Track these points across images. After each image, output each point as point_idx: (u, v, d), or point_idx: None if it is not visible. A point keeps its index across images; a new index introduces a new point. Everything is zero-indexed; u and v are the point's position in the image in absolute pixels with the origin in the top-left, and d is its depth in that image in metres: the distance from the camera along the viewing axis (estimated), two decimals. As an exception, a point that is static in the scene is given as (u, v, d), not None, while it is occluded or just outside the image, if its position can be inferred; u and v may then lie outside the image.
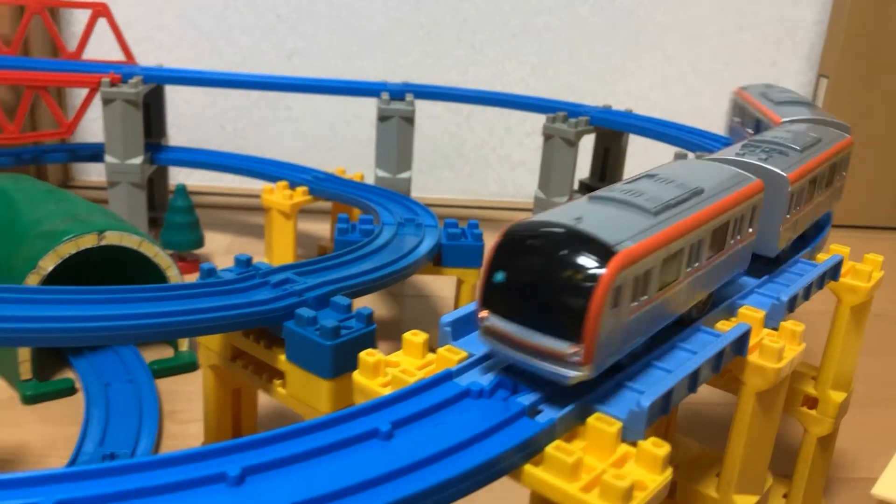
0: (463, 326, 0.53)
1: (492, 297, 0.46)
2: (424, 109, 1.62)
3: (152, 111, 1.41)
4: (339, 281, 0.76)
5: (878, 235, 1.80)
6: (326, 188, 1.23)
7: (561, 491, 0.40)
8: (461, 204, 1.79)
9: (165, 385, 0.97)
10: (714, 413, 0.99)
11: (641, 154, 1.49)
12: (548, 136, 1.29)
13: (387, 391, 0.47)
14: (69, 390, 0.94)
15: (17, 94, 1.45)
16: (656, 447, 0.42)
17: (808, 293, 0.66)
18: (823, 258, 0.72)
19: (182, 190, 1.27)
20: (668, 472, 0.42)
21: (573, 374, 0.43)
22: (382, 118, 1.33)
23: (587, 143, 1.42)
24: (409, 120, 1.34)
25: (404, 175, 1.36)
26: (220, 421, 0.79)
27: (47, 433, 0.88)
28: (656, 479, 0.41)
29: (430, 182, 1.80)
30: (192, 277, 1.25)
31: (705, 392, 0.62)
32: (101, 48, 1.49)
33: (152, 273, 0.98)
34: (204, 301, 0.70)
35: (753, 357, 0.55)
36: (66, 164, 1.68)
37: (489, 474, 0.41)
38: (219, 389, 0.78)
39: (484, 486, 0.42)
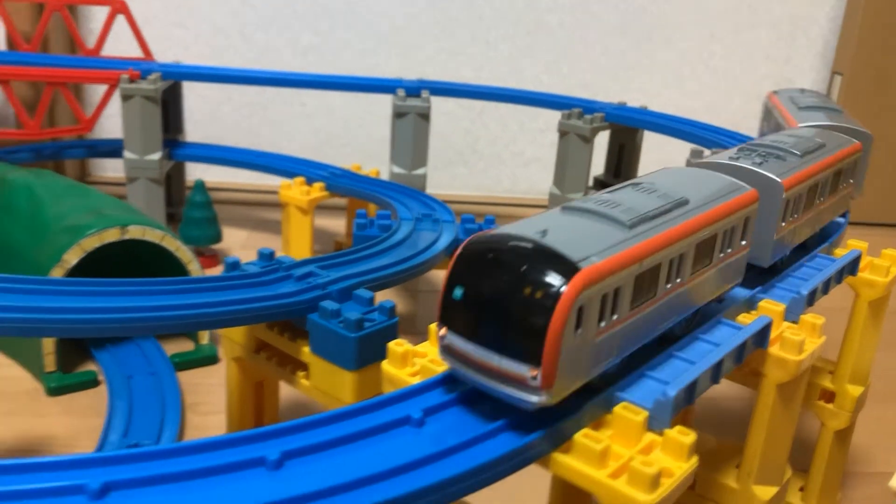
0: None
1: (450, 313, 0.44)
2: (438, 106, 1.63)
3: (170, 107, 1.42)
4: (361, 275, 0.77)
5: (893, 233, 1.81)
6: (343, 184, 1.24)
7: (589, 477, 0.41)
8: (474, 200, 1.80)
9: (186, 378, 0.98)
10: (727, 407, 1.00)
11: (656, 150, 1.50)
12: (563, 133, 1.29)
13: (415, 380, 0.48)
14: (92, 382, 0.96)
15: (37, 91, 1.46)
16: (682, 435, 0.43)
17: (827, 287, 0.67)
18: (842, 253, 0.73)
19: (200, 185, 1.28)
20: (694, 459, 0.43)
21: (535, 400, 0.41)
22: (398, 115, 1.34)
23: (601, 140, 1.42)
24: (424, 116, 1.34)
25: (420, 171, 1.37)
26: (243, 412, 0.81)
27: (72, 424, 0.89)
28: (682, 467, 0.42)
29: (444, 178, 1.81)
30: (211, 272, 1.27)
31: (719, 385, 0.62)
32: (119, 45, 1.51)
33: (173, 268, 0.99)
34: (229, 294, 0.71)
35: (774, 349, 0.56)
36: (83, 159, 1.69)
37: (518, 461, 0.42)
38: (242, 381, 0.79)
39: (513, 473, 0.43)
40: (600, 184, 1.43)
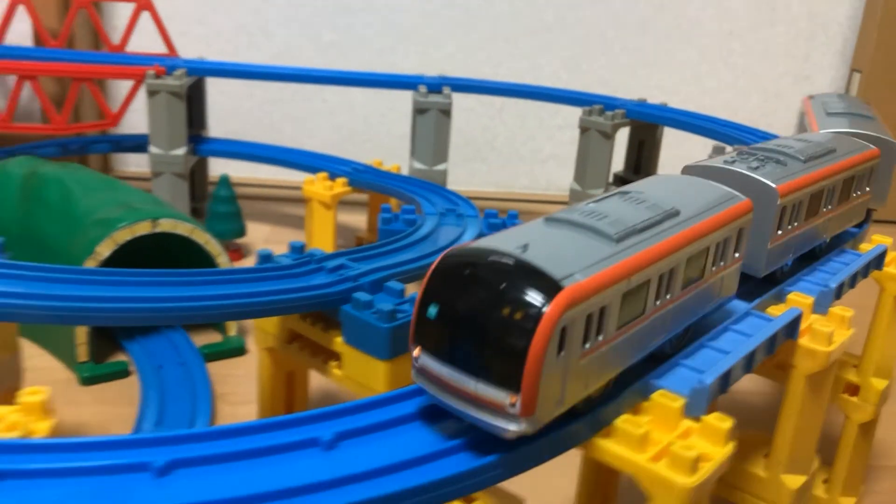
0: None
1: (424, 333, 0.41)
2: (457, 102, 1.63)
3: (193, 103, 1.44)
4: (392, 267, 0.79)
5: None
6: (366, 179, 1.25)
7: (630, 461, 0.43)
8: (493, 196, 1.81)
9: (215, 369, 1.00)
10: (747, 401, 1.01)
11: (676, 147, 1.51)
12: (584, 129, 1.30)
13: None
14: (123, 372, 0.98)
15: (62, 87, 1.48)
16: (720, 421, 0.44)
17: (853, 281, 0.68)
18: (867, 248, 0.74)
19: (225, 180, 1.30)
20: (732, 444, 0.44)
21: (513, 429, 0.38)
22: (420, 111, 1.35)
23: (621, 136, 1.43)
24: (446, 112, 1.36)
25: (441, 167, 1.38)
26: (274, 402, 0.82)
27: (104, 413, 0.91)
28: (720, 451, 0.43)
29: (462, 174, 1.82)
30: (236, 266, 1.29)
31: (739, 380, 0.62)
32: (142, 41, 1.53)
33: (200, 261, 1.01)
34: (264, 285, 0.73)
35: (804, 340, 0.57)
36: (105, 154, 1.71)
37: (567, 443, 0.44)
38: (274, 371, 0.81)
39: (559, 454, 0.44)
40: (620, 180, 1.44)
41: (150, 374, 0.94)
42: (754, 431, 0.70)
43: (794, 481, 0.60)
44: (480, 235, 0.99)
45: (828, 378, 0.60)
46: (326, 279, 0.74)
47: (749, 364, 0.51)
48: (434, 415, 0.43)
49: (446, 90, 1.38)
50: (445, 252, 0.42)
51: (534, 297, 0.37)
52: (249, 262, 1.35)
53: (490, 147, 1.83)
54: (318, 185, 1.23)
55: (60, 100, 1.39)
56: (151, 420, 0.85)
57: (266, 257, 0.78)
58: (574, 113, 1.32)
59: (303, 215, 1.56)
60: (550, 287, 0.38)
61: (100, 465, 0.36)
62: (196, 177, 1.50)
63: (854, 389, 0.77)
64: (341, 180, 1.24)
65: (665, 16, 1.75)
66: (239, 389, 0.96)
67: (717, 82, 1.81)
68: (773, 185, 0.59)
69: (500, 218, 1.04)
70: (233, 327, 1.05)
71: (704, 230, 0.49)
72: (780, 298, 0.63)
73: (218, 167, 1.65)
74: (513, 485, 0.44)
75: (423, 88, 1.37)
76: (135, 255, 0.99)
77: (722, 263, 0.53)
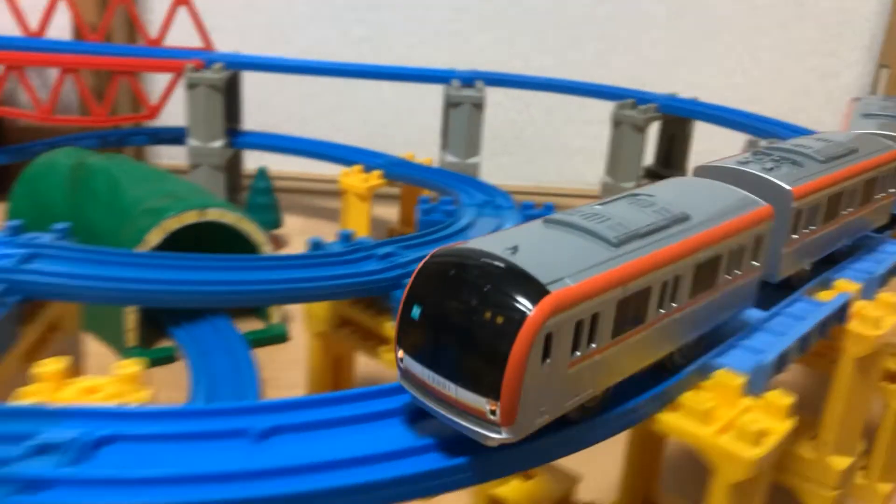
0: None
1: (407, 335, 0.39)
2: (486, 96, 1.66)
3: (229, 97, 1.46)
4: (439, 255, 0.81)
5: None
6: (401, 172, 1.27)
7: (696, 435, 0.44)
8: (521, 190, 1.82)
9: (258, 355, 1.02)
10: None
11: (706, 141, 1.52)
12: (617, 123, 1.32)
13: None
14: (169, 358, 1.00)
15: (99, 79, 1.51)
16: (781, 397, 0.46)
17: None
18: (910, 240, 0.75)
19: (263, 172, 1.32)
20: (792, 420, 0.46)
21: (493, 437, 0.37)
22: (453, 104, 1.37)
23: (650, 130, 1.44)
24: (478, 106, 1.38)
25: (473, 160, 1.40)
26: (324, 386, 0.84)
27: (153, 397, 0.93)
28: (782, 426, 0.45)
29: (490, 168, 1.82)
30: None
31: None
32: (175, 35, 1.55)
33: (242, 251, 1.03)
34: (317, 271, 0.75)
35: (853, 325, 0.58)
36: (138, 147, 1.74)
37: (631, 420, 0.45)
38: (323, 356, 0.83)
39: (624, 429, 0.46)
40: (651, 174, 1.45)
41: (198, 360, 0.96)
42: (799, 414, 0.72)
43: (841, 462, 0.62)
44: (518, 226, 1.01)
45: (875, 361, 0.61)
46: (377, 266, 0.77)
47: (803, 345, 0.53)
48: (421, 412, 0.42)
49: (479, 84, 1.39)
50: (433, 252, 0.40)
51: (517, 301, 0.36)
52: (287, 252, 1.37)
53: (518, 141, 1.84)
54: (353, 178, 1.25)
55: (96, 93, 1.42)
56: (202, 402, 0.87)
57: (317, 245, 0.80)
58: (601, 108, 1.34)
59: (333, 207, 1.59)
60: (536, 291, 0.36)
61: (201, 431, 0.38)
62: (231, 169, 1.52)
63: (894, 377, 0.78)
64: (376, 173, 1.26)
65: (692, 11, 1.77)
66: (283, 375, 0.99)
67: (743, 78, 1.82)
68: (788, 188, 0.56)
69: (536, 209, 1.06)
70: (275, 315, 1.07)
71: (715, 237, 0.47)
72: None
73: (250, 161, 1.68)
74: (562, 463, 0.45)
75: (455, 82, 1.39)
76: (177, 245, 1.01)
77: (737, 272, 0.50)
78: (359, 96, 1.79)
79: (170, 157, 1.75)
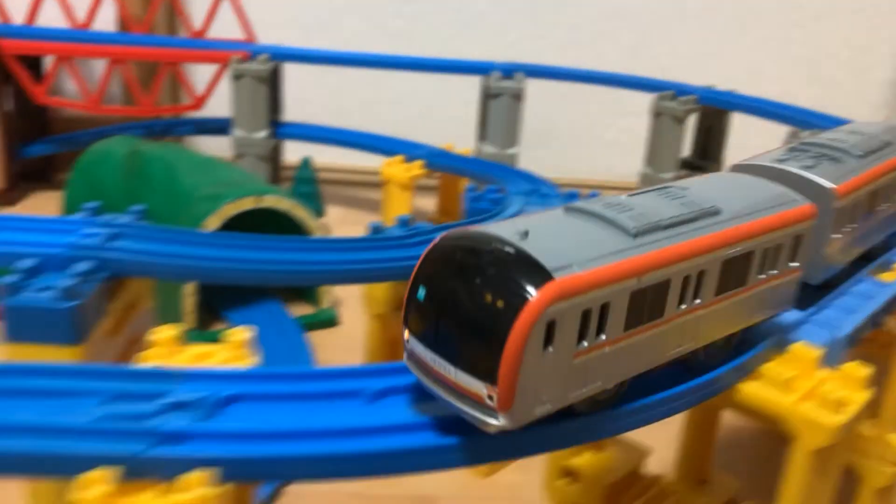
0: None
1: (413, 315, 0.39)
2: (521, 89, 1.68)
3: (272, 88, 1.49)
4: (496, 239, 0.83)
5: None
6: (442, 162, 1.29)
7: (777, 402, 0.46)
8: (557, 182, 1.84)
9: (310, 338, 1.05)
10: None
11: (742, 133, 1.53)
12: (657, 114, 1.34)
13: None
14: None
15: (142, 70, 1.54)
16: (858, 368, 0.48)
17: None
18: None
19: (307, 162, 1.35)
20: (870, 391, 0.48)
21: (492, 423, 0.36)
22: (493, 95, 1.39)
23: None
24: (517, 97, 1.40)
25: (512, 150, 1.42)
26: (381, 366, 0.87)
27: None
28: (861, 396, 0.47)
29: (524, 160, 1.85)
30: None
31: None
32: (216, 27, 1.57)
33: (295, 237, 1.06)
34: (378, 253, 0.77)
35: (915, 305, 0.60)
36: (180, 137, 1.77)
37: (711, 390, 0.47)
38: (381, 337, 0.86)
39: (698, 404, 0.47)
40: (688, 165, 1.47)
41: (254, 341, 0.98)
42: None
43: (901, 440, 0.64)
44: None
45: (936, 342, 0.63)
46: (437, 249, 0.79)
47: (874, 321, 0.55)
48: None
49: (519, 76, 1.41)
50: (443, 234, 0.40)
51: (519, 285, 0.35)
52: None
53: (551, 133, 1.86)
54: (395, 168, 1.27)
55: (141, 83, 1.45)
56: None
57: (377, 229, 0.83)
58: (636, 100, 1.35)
59: (371, 198, 1.61)
60: (539, 277, 0.36)
61: (318, 391, 0.41)
62: (272, 160, 1.55)
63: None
64: (418, 163, 1.28)
65: (727, 5, 1.78)
66: (335, 357, 1.01)
67: (777, 71, 1.83)
68: (831, 186, 0.54)
69: (581, 198, 1.08)
70: (325, 299, 1.10)
71: (746, 233, 0.45)
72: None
73: (290, 152, 1.70)
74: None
75: (496, 74, 1.41)
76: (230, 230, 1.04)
77: (773, 272, 0.48)
78: (394, 89, 1.81)
79: (208, 147, 1.78)
